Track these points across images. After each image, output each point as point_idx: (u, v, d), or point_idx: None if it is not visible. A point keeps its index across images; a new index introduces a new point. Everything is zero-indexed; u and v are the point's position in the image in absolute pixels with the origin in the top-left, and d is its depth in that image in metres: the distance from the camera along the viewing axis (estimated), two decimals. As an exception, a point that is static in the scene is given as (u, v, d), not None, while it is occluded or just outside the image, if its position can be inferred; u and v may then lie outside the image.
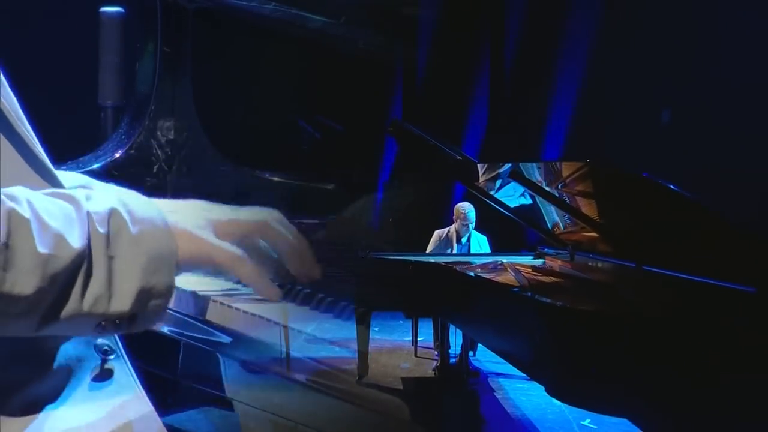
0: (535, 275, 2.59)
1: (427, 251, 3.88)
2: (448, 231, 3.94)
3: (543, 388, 1.67)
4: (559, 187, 2.51)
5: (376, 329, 4.50)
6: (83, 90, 4.09)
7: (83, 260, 0.42)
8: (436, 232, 3.97)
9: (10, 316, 0.41)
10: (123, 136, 4.16)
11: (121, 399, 0.49)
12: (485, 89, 6.43)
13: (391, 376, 3.68)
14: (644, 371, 1.46)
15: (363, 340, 3.04)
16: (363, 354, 2.97)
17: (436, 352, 3.97)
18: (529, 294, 2.00)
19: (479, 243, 3.93)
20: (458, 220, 3.90)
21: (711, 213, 1.66)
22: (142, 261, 0.44)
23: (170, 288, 0.46)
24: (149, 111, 4.18)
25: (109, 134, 4.14)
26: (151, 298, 0.45)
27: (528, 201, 2.76)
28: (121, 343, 0.54)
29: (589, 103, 5.95)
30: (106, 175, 3.91)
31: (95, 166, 4.01)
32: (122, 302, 0.44)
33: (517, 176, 2.61)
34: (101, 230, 0.43)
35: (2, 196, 0.40)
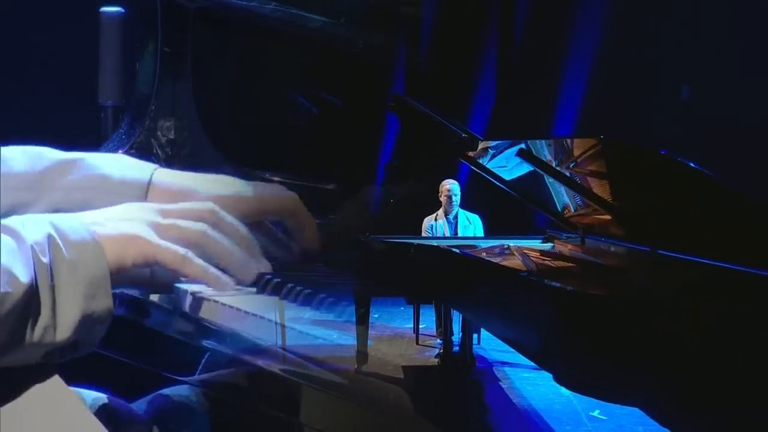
0: (543, 260, 2.58)
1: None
2: (436, 214, 3.94)
3: (550, 377, 1.67)
4: (571, 166, 2.48)
5: (376, 315, 4.52)
6: (83, 90, 4.19)
7: (31, 293, 0.44)
8: (426, 220, 3.97)
9: None
10: (123, 136, 4.27)
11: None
12: (493, 62, 6.37)
13: (392, 365, 3.70)
14: (658, 359, 1.45)
15: (362, 340, 3.06)
16: (362, 354, 2.98)
17: (438, 340, 3.99)
18: (538, 279, 1.99)
19: (469, 220, 3.92)
20: (442, 196, 3.90)
21: (734, 193, 1.64)
22: (81, 288, 0.46)
23: (110, 311, 0.48)
24: (149, 111, 4.32)
25: (109, 134, 4.25)
26: (93, 323, 0.47)
27: (525, 169, 2.73)
28: None
29: (603, 76, 5.89)
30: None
31: (95, 165, 4.10)
32: (66, 331, 0.46)
33: (525, 155, 2.59)
34: (44, 260, 0.45)
35: None
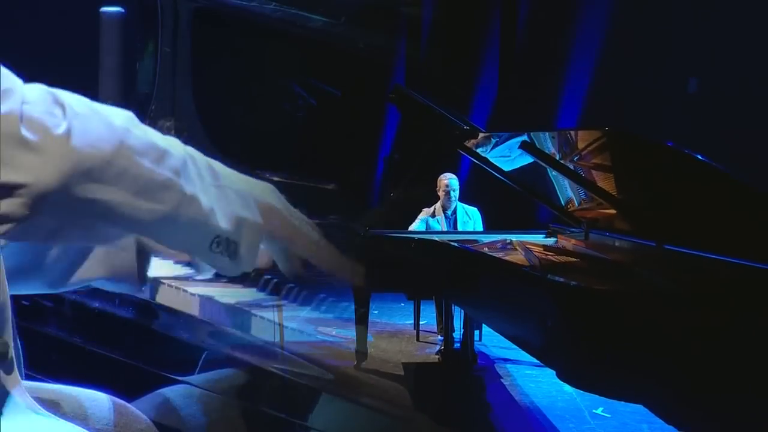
0: (546, 254, 2.58)
1: (410, 228, 3.88)
2: (435, 208, 3.93)
3: (553, 374, 1.68)
4: (575, 159, 2.48)
5: (376, 312, 4.53)
6: (83, 90, 4.26)
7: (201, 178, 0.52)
8: (423, 210, 3.97)
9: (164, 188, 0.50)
10: None
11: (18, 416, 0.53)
12: (495, 53, 6.35)
13: (392, 362, 3.71)
14: (663, 355, 1.45)
15: (362, 340, 3.07)
16: (362, 353, 2.99)
17: (439, 336, 3.99)
18: (541, 274, 1.99)
19: (468, 215, 3.91)
20: (440, 191, 3.89)
21: (743, 186, 1.64)
22: (238, 197, 0.55)
23: (260, 227, 0.55)
24: (149, 111, 4.40)
25: None
26: (246, 227, 0.54)
27: (529, 159, 2.72)
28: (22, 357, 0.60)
29: (608, 67, 5.88)
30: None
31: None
32: (226, 221, 0.53)
33: (528, 147, 2.58)
34: (211, 162, 0.55)
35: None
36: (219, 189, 0.54)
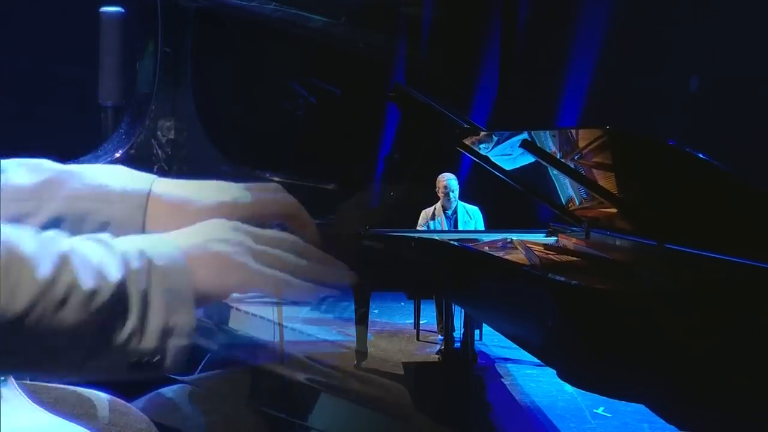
0: (547, 253, 2.58)
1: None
2: (435, 209, 3.92)
3: (554, 374, 1.68)
4: (575, 158, 2.48)
5: (376, 311, 4.53)
6: (83, 90, 4.29)
7: (121, 294, 0.46)
8: (423, 212, 3.96)
9: (56, 352, 0.45)
10: (123, 136, 4.39)
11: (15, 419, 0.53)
12: (495, 51, 6.35)
13: (392, 362, 3.72)
14: (664, 355, 1.45)
15: (362, 340, 3.08)
16: (362, 353, 2.99)
17: (439, 336, 4.00)
18: (541, 273, 1.99)
19: (469, 214, 3.91)
20: (439, 192, 3.88)
21: (744, 186, 1.64)
22: (167, 297, 0.48)
23: (192, 327, 0.49)
24: (149, 111, 4.43)
25: (110, 134, 4.36)
26: (176, 336, 0.48)
27: (530, 158, 2.72)
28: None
29: (609, 65, 5.87)
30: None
31: (95, 166, 4.23)
32: (151, 339, 0.47)
33: (529, 146, 2.58)
34: (134, 265, 0.47)
35: (47, 237, 0.45)
36: (146, 292, 0.47)
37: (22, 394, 0.58)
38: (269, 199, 0.61)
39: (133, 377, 0.48)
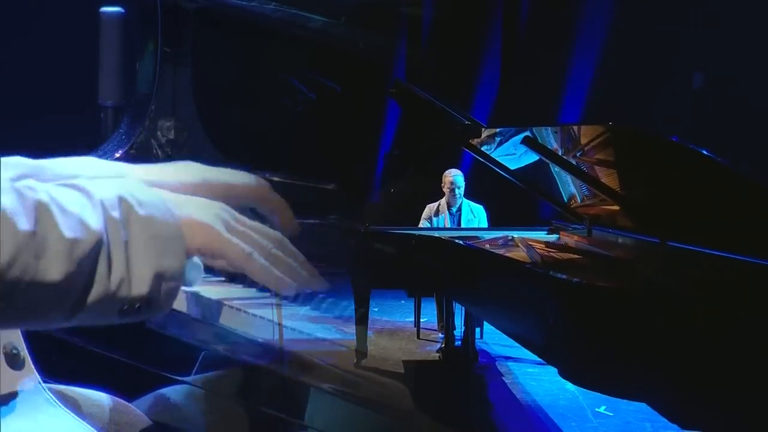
0: (548, 251, 2.59)
1: (419, 226, 3.88)
2: (439, 204, 3.92)
3: (555, 372, 1.68)
4: (578, 155, 2.48)
5: (376, 309, 4.53)
6: (83, 90, 4.33)
7: (103, 244, 0.46)
8: (428, 206, 3.96)
9: (42, 304, 0.45)
10: (123, 136, 4.43)
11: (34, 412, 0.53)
12: (497, 46, 6.34)
13: (392, 360, 3.72)
14: (666, 353, 1.46)
15: (362, 340, 3.09)
16: (362, 354, 3.00)
17: (440, 334, 4.00)
18: (543, 271, 1.99)
19: (473, 212, 3.91)
20: (445, 188, 3.88)
21: (748, 183, 1.64)
22: (154, 244, 0.48)
23: (181, 271, 0.50)
24: (149, 111, 4.47)
25: (110, 134, 4.39)
26: (165, 280, 0.49)
27: (534, 157, 2.73)
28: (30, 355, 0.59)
29: (612, 61, 5.86)
30: (106, 175, 4.34)
31: (94, 166, 4.32)
32: (141, 285, 0.48)
33: (530, 143, 2.58)
34: (114, 214, 0.47)
35: (24, 187, 0.44)
36: (128, 242, 0.47)
37: (47, 391, 0.59)
38: (237, 183, 0.61)
39: (126, 321, 0.48)
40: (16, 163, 0.59)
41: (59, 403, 0.59)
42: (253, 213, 0.63)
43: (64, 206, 0.45)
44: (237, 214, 0.55)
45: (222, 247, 0.52)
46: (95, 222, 0.46)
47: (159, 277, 0.48)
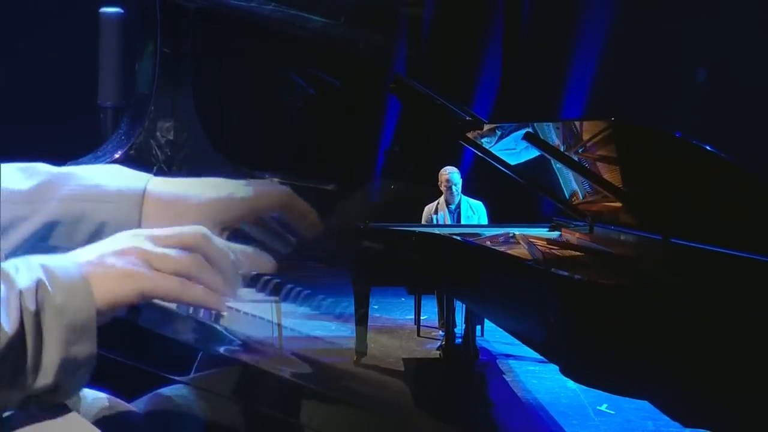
0: (550, 248, 2.58)
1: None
2: (438, 203, 3.92)
3: (557, 370, 1.68)
4: (580, 151, 2.48)
5: (376, 307, 4.54)
6: (83, 90, 4.36)
7: (16, 341, 0.46)
8: (426, 208, 3.96)
9: None
10: (122, 137, 4.45)
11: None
12: (498, 41, 6.33)
13: (392, 358, 3.73)
14: (669, 351, 1.46)
15: (362, 341, 3.10)
16: (361, 354, 3.00)
17: (440, 332, 4.00)
18: (544, 268, 1.99)
19: (472, 208, 3.90)
20: (442, 186, 3.87)
21: (752, 178, 1.64)
22: (64, 333, 0.48)
23: (92, 357, 0.50)
24: (149, 111, 4.49)
25: (109, 135, 4.41)
26: (75, 368, 0.49)
27: (535, 153, 2.72)
28: None
29: (615, 56, 5.85)
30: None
31: (93, 167, 4.41)
32: (46, 376, 0.48)
33: (532, 138, 2.58)
34: (31, 308, 0.47)
35: None
36: (42, 332, 0.47)
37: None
38: (262, 194, 0.62)
39: (25, 408, 0.48)
40: (40, 170, 0.61)
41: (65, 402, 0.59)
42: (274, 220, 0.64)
43: None
44: (156, 233, 0.54)
45: (153, 286, 0.52)
46: (10, 321, 0.46)
47: (68, 364, 0.48)
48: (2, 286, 0.47)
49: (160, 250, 0.53)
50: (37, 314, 0.47)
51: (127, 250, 0.52)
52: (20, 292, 0.47)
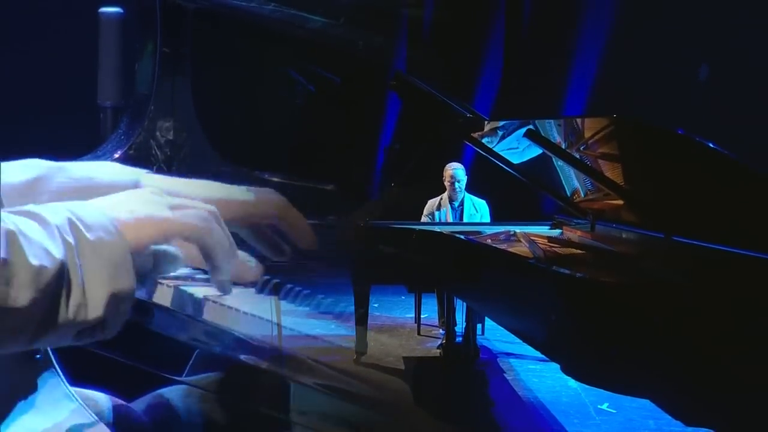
0: (551, 246, 2.58)
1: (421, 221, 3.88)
2: (441, 199, 3.91)
3: (558, 369, 1.69)
4: (581, 148, 2.47)
5: (376, 305, 4.54)
6: (83, 90, 4.38)
7: (64, 270, 0.48)
8: (429, 202, 3.95)
9: (7, 330, 0.46)
10: (122, 137, 4.46)
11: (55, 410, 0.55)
12: (500, 37, 6.32)
13: (392, 356, 3.73)
14: (671, 349, 1.46)
15: (362, 341, 3.10)
16: (361, 354, 3.00)
17: (440, 330, 4.01)
18: (545, 266, 1.99)
19: (475, 206, 3.89)
20: (446, 182, 3.87)
21: (756, 176, 1.63)
22: (106, 268, 0.50)
23: (133, 290, 0.52)
24: (148, 111, 4.50)
25: (109, 134, 4.42)
26: (119, 302, 0.51)
27: (537, 151, 2.72)
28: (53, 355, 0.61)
29: (617, 53, 5.85)
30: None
31: (94, 166, 4.39)
32: (96, 309, 0.50)
33: (533, 136, 2.58)
34: (70, 240, 0.49)
35: None
36: (83, 267, 0.49)
37: (66, 385, 0.60)
38: (257, 200, 0.63)
39: (79, 344, 0.50)
40: (34, 164, 0.62)
41: (78, 399, 0.60)
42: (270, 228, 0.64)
43: (28, 235, 0.47)
44: (171, 197, 0.56)
45: (175, 227, 0.54)
46: (57, 249, 0.48)
47: (113, 299, 0.50)
48: (36, 224, 0.48)
49: (178, 198, 0.55)
50: (76, 247, 0.48)
51: (146, 198, 0.54)
52: (57, 227, 0.48)
